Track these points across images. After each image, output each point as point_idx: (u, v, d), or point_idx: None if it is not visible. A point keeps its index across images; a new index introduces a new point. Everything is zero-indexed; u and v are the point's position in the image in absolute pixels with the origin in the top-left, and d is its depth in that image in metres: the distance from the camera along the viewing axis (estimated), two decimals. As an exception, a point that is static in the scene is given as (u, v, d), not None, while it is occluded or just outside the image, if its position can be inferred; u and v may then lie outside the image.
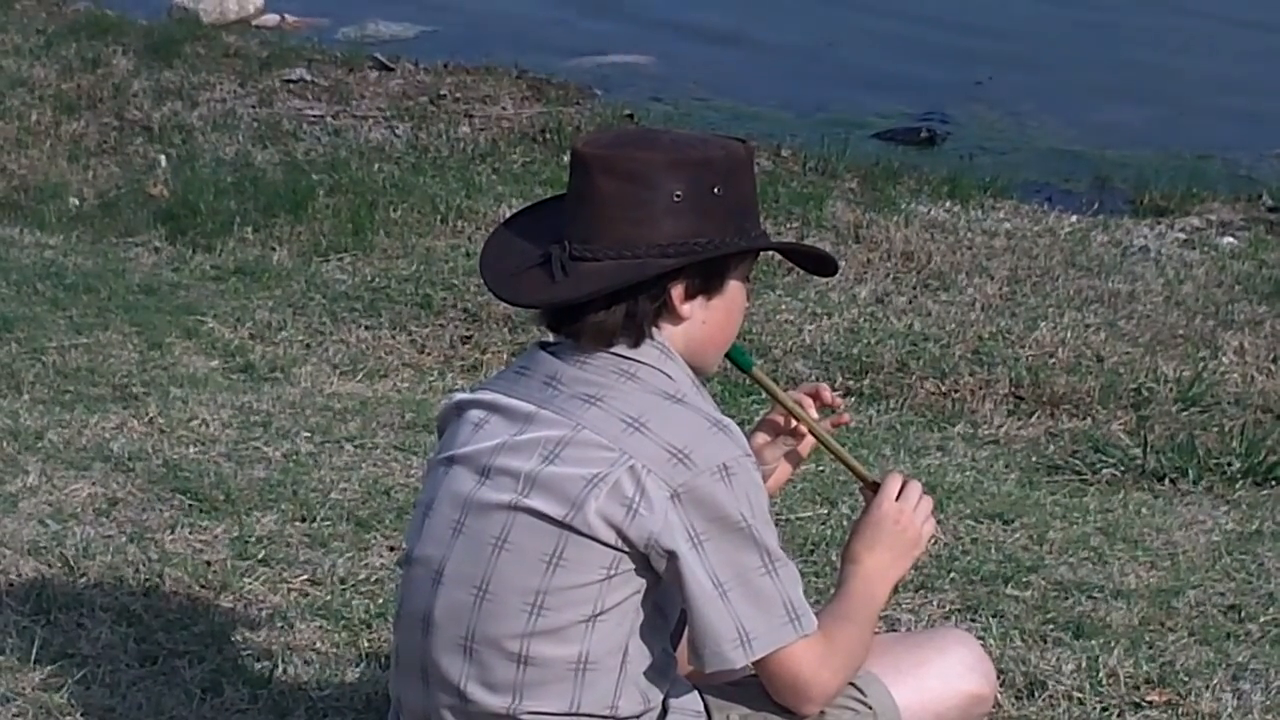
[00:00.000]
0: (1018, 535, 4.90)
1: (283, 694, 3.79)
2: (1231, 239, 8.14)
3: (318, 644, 4.02)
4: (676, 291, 2.80)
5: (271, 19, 11.73)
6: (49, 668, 3.83)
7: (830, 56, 11.48)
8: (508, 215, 2.99)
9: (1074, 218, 8.29)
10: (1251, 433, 5.87)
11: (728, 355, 2.95)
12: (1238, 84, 10.90)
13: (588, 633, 2.76)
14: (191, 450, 5.08)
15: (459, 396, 2.95)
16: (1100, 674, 4.02)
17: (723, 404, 5.22)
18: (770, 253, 2.99)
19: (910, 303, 6.99)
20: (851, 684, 2.89)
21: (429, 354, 6.48)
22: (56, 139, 9.05)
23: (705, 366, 2.89)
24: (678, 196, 2.76)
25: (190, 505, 4.68)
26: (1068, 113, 10.50)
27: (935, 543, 3.32)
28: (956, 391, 6.25)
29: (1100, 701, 3.94)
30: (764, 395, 3.73)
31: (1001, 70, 11.12)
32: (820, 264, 2.98)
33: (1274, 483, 5.60)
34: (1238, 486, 5.56)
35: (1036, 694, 3.96)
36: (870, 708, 2.91)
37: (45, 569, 4.27)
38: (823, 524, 4.82)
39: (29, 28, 10.55)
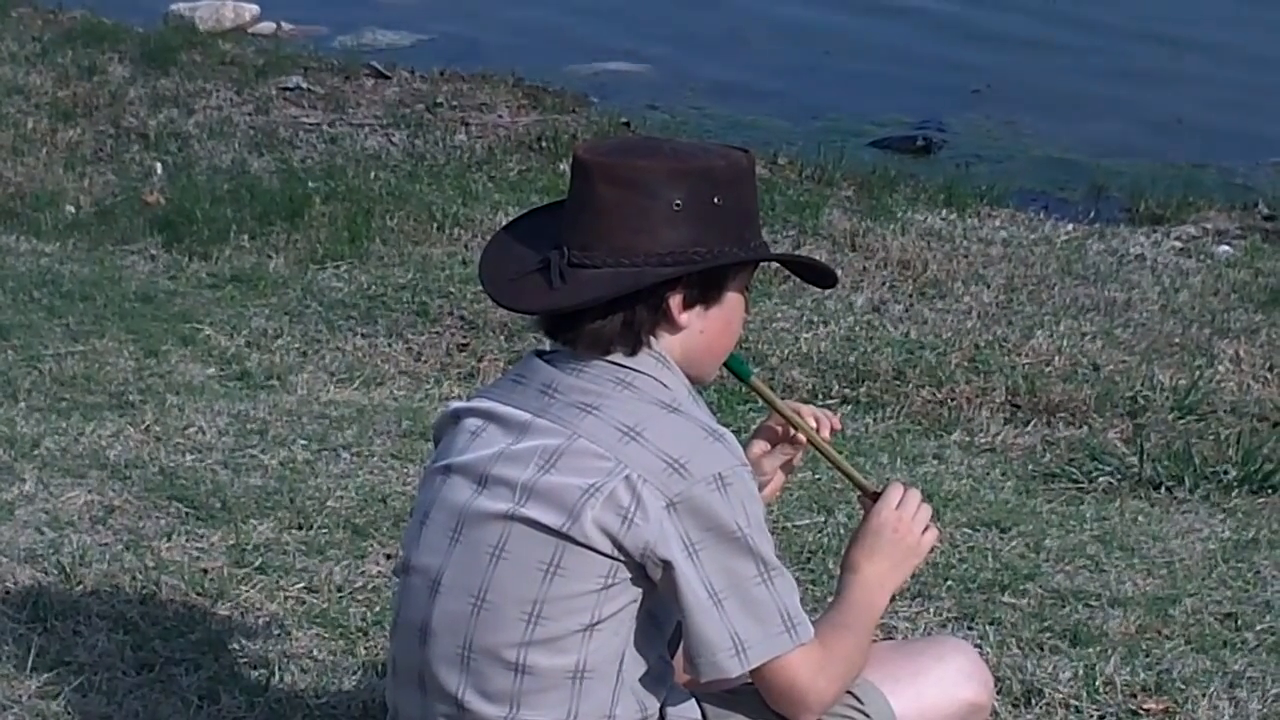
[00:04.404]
0: (1014, 543, 4.90)
1: (279, 702, 3.79)
2: (1227, 247, 8.14)
3: (315, 652, 4.02)
4: (674, 301, 2.79)
5: (268, 26, 11.71)
6: (45, 675, 3.83)
7: (827, 65, 11.48)
8: (505, 222, 2.99)
9: (1070, 226, 8.29)
10: (1248, 441, 5.87)
11: (725, 364, 2.94)
12: (1233, 93, 10.90)
13: (585, 642, 2.75)
14: (188, 458, 5.07)
15: (455, 405, 2.95)
16: (1097, 682, 4.02)
17: (719, 412, 5.22)
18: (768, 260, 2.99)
19: (907, 311, 6.99)
20: (849, 692, 2.89)
21: (425, 362, 6.47)
22: (53, 146, 9.04)
23: (703, 376, 2.89)
24: (677, 205, 2.76)
25: (187, 513, 4.68)
26: (1064, 121, 10.49)
27: (932, 551, 3.33)
28: (953, 400, 6.24)
29: (1097, 709, 3.94)
30: (760, 403, 3.73)
31: (998, 79, 11.12)
32: (820, 276, 2.97)
33: (1270, 491, 5.60)
34: (1234, 495, 5.56)
35: (1034, 702, 3.96)
36: (868, 716, 2.91)
37: (42, 577, 4.26)
38: (819, 531, 4.82)
39: (25, 35, 10.54)
